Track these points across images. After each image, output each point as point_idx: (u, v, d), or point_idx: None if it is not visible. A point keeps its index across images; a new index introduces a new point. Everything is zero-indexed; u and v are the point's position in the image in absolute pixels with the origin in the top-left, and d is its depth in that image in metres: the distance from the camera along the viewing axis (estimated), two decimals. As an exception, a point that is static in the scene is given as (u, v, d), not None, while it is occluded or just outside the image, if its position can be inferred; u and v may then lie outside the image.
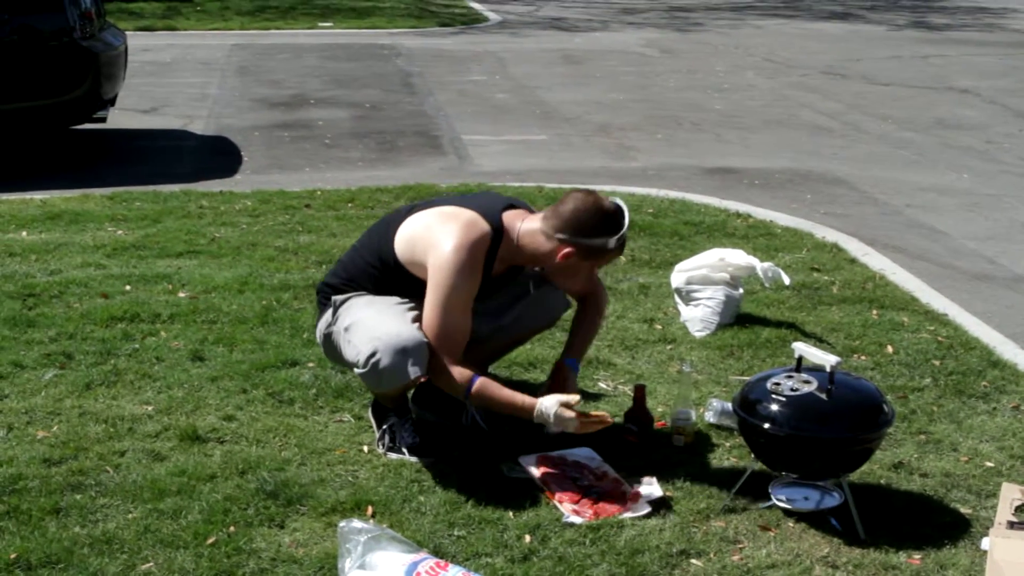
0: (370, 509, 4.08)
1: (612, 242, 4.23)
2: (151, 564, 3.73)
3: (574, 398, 4.25)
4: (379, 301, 4.44)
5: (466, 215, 4.33)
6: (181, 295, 6.22)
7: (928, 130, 11.85)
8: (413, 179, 9.12)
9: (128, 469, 4.34)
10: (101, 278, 6.46)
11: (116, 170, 9.52)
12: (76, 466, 4.34)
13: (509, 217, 4.38)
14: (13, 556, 3.73)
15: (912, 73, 15.44)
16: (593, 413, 4.25)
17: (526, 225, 4.36)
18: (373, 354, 4.23)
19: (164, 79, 14.08)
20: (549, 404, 4.22)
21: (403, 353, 4.22)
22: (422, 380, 4.34)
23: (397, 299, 4.45)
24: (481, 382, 4.30)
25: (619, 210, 4.28)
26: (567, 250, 4.26)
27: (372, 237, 4.65)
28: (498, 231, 4.32)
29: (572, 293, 4.65)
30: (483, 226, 4.30)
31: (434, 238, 4.30)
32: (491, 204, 4.43)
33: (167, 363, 5.35)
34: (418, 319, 4.34)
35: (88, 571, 3.67)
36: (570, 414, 4.19)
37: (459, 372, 4.29)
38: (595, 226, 4.23)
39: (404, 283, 4.44)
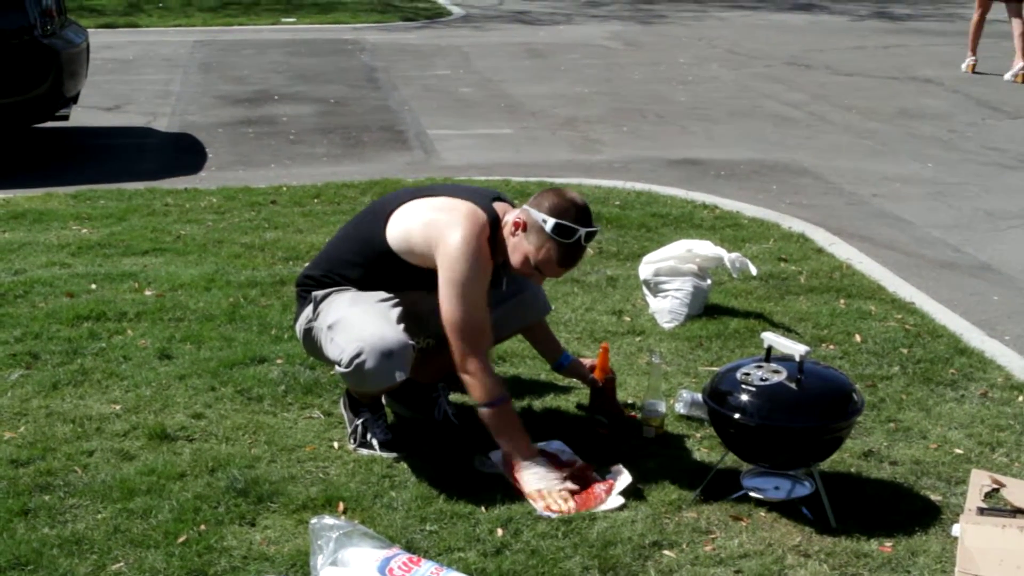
0: (341, 505, 4.07)
1: (551, 223, 4.17)
2: (121, 564, 3.71)
3: (566, 499, 4.16)
4: (362, 299, 4.41)
5: (464, 206, 4.31)
6: (147, 293, 6.19)
7: (892, 120, 11.90)
8: (379, 174, 9.09)
9: (97, 469, 4.31)
10: (66, 277, 6.41)
11: (80, 168, 9.45)
12: (44, 467, 4.31)
13: (500, 207, 4.38)
14: (-19, 558, 3.70)
15: (875, 63, 15.49)
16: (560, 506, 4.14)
17: (511, 211, 4.36)
18: (358, 355, 4.20)
19: (127, 76, 13.98)
20: (539, 482, 4.19)
21: (388, 356, 4.20)
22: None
23: (380, 296, 4.41)
24: (509, 403, 4.34)
25: (579, 205, 4.25)
26: (517, 218, 4.26)
27: (357, 228, 4.61)
28: (495, 221, 4.31)
29: (516, 271, 4.49)
30: (483, 216, 4.29)
31: (439, 231, 4.26)
32: (481, 195, 4.43)
33: (134, 362, 5.32)
34: (402, 319, 4.32)
35: (58, 572, 3.65)
36: (545, 501, 4.14)
37: (494, 382, 4.28)
38: (550, 204, 4.21)
39: (395, 272, 4.41)
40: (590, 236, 4.26)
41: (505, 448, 4.31)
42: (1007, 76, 14.27)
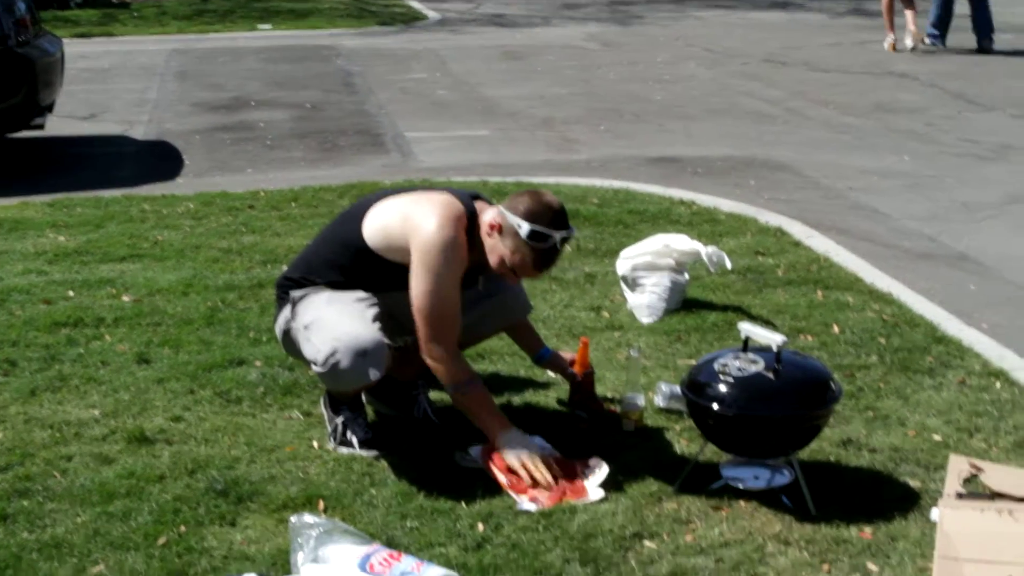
0: (321, 504, 4.06)
1: (525, 228, 4.18)
2: (101, 567, 3.70)
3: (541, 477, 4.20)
4: (339, 299, 4.40)
5: (441, 197, 4.33)
6: (125, 299, 6.17)
7: (868, 114, 11.93)
8: (356, 177, 9.08)
9: (76, 473, 4.30)
10: (43, 284, 6.40)
11: (56, 177, 9.41)
12: (23, 472, 4.30)
13: (479, 205, 4.38)
14: (-40, 564, 3.69)
15: (851, 59, 15.53)
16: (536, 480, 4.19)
17: (488, 210, 4.37)
18: (332, 354, 4.20)
19: (102, 85, 13.95)
20: (526, 451, 4.24)
21: (363, 355, 4.20)
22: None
23: (358, 295, 4.41)
24: (478, 385, 4.37)
25: (555, 209, 4.26)
26: (493, 220, 4.27)
27: (335, 229, 4.62)
28: (472, 215, 4.32)
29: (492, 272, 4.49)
30: (459, 206, 4.30)
31: (414, 220, 4.26)
32: (459, 191, 4.44)
33: (112, 367, 5.30)
34: (378, 318, 4.32)
35: (38, 576, 3.64)
36: (526, 470, 4.19)
37: (460, 366, 4.32)
38: (525, 207, 4.22)
39: (374, 271, 4.41)
40: (565, 240, 4.27)
41: (481, 428, 4.35)
42: (907, 43, 15.65)
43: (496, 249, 4.29)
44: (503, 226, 4.25)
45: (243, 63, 15.71)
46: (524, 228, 4.18)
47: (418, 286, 4.23)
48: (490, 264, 4.33)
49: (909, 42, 15.69)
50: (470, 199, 4.39)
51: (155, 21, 20.16)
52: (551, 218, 4.23)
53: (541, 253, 4.25)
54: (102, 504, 4.06)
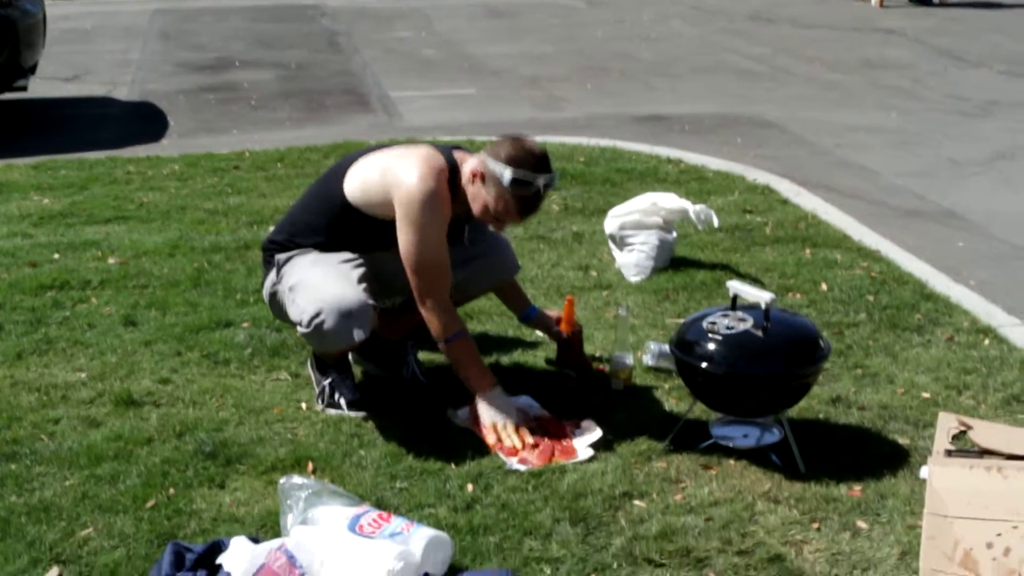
0: (310, 465, 4.05)
1: (508, 175, 4.17)
2: (90, 530, 3.68)
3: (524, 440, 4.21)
4: (324, 260, 4.38)
5: (421, 150, 4.32)
6: (111, 261, 6.14)
7: (855, 71, 11.90)
8: (342, 137, 9.04)
9: (63, 436, 4.28)
10: (28, 247, 6.36)
11: (39, 139, 9.36)
12: (10, 435, 4.28)
13: (459, 155, 4.36)
14: (-52, 528, 3.67)
15: (838, 16, 15.49)
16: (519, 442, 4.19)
17: (469, 159, 4.35)
18: (317, 315, 4.18)
19: (85, 46, 13.85)
20: (501, 412, 4.27)
21: (347, 316, 4.18)
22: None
23: (343, 256, 4.39)
24: (467, 337, 4.36)
25: (537, 154, 4.24)
26: (474, 167, 4.26)
27: (318, 189, 4.60)
28: (453, 167, 4.30)
29: (477, 220, 4.46)
30: (440, 158, 4.28)
31: (395, 174, 4.25)
32: (439, 145, 4.43)
33: (99, 329, 5.28)
34: (364, 279, 4.30)
35: (26, 540, 3.61)
36: (497, 435, 4.22)
37: (452, 317, 4.32)
38: (507, 154, 4.20)
39: (357, 228, 4.39)
40: (548, 185, 4.25)
41: (465, 381, 4.37)
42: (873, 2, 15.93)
43: (479, 197, 4.27)
44: (485, 173, 4.23)
45: (227, 23, 15.62)
46: (507, 175, 4.17)
47: (405, 240, 4.22)
48: (473, 212, 4.32)
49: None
50: (450, 151, 4.37)
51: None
52: (533, 164, 4.21)
53: (524, 199, 4.23)
54: (90, 467, 4.04)
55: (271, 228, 4.83)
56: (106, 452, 4.14)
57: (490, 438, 4.20)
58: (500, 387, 4.35)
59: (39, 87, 10.66)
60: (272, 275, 4.51)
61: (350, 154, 4.60)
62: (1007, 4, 16.06)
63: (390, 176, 4.26)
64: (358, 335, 4.22)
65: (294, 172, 7.94)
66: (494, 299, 5.09)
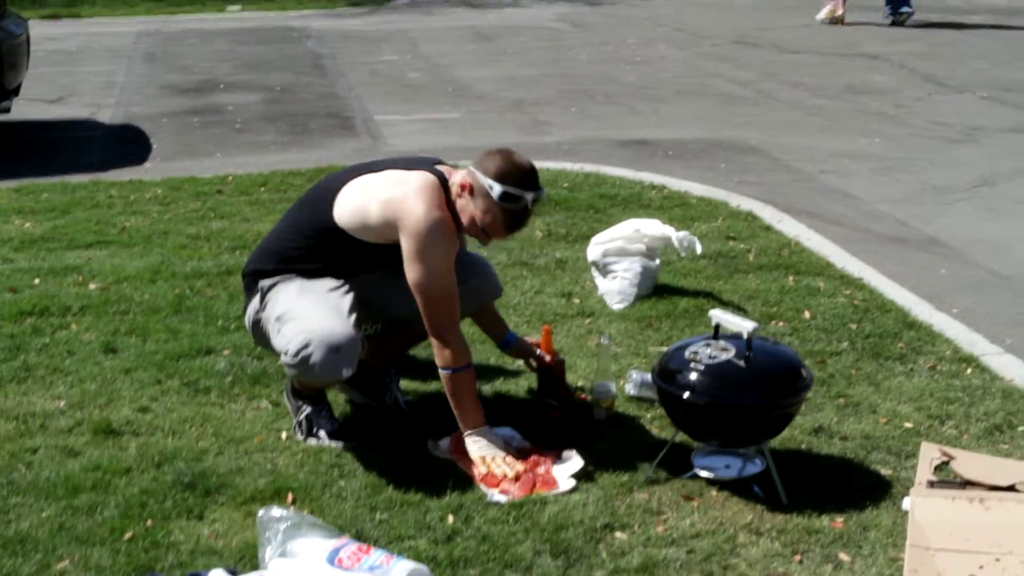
0: (290, 496, 4.03)
1: (497, 188, 4.15)
2: (67, 562, 3.65)
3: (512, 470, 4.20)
4: (310, 288, 4.35)
5: (416, 176, 4.27)
6: (92, 287, 6.11)
7: (839, 96, 11.93)
8: (326, 161, 9.00)
9: (41, 466, 4.24)
10: (9, 272, 6.33)
11: (22, 162, 9.31)
12: (-13, 465, 4.25)
13: (444, 170, 4.35)
14: (-77, 560, 3.64)
15: (822, 40, 15.51)
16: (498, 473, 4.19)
17: (457, 172, 4.35)
18: (304, 347, 4.15)
19: (70, 68, 13.83)
20: (491, 445, 4.25)
21: (336, 351, 4.15)
22: None
23: (330, 284, 4.36)
24: (471, 373, 4.33)
25: (526, 169, 4.23)
26: (464, 180, 4.24)
27: (300, 214, 4.57)
28: (444, 182, 4.29)
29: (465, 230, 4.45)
30: (434, 180, 4.26)
31: (400, 206, 4.21)
32: (423, 162, 4.41)
33: (79, 356, 5.25)
34: (353, 308, 4.27)
35: (1, 572, 3.58)
36: (488, 466, 4.20)
37: (463, 348, 4.30)
38: (497, 167, 4.19)
39: (345, 252, 4.36)
40: (536, 200, 4.24)
41: (458, 413, 4.32)
42: (818, 17, 16.44)
43: (467, 209, 4.26)
44: (474, 186, 4.22)
45: (212, 45, 15.60)
46: (496, 189, 4.16)
47: (417, 273, 4.19)
48: (462, 226, 4.32)
49: (821, 15, 16.55)
50: (434, 166, 4.36)
51: (123, 2, 19.99)
52: (523, 178, 4.20)
53: (512, 214, 4.23)
54: (68, 498, 4.01)
55: (251, 254, 4.79)
56: (84, 482, 4.11)
57: (477, 471, 4.17)
58: (487, 426, 4.33)
59: (23, 109, 10.62)
60: (255, 302, 4.47)
61: (332, 176, 4.58)
62: (973, 24, 16.13)
63: (393, 208, 4.22)
64: (346, 372, 4.20)
65: (277, 197, 7.92)
66: (474, 327, 5.07)
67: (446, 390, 4.36)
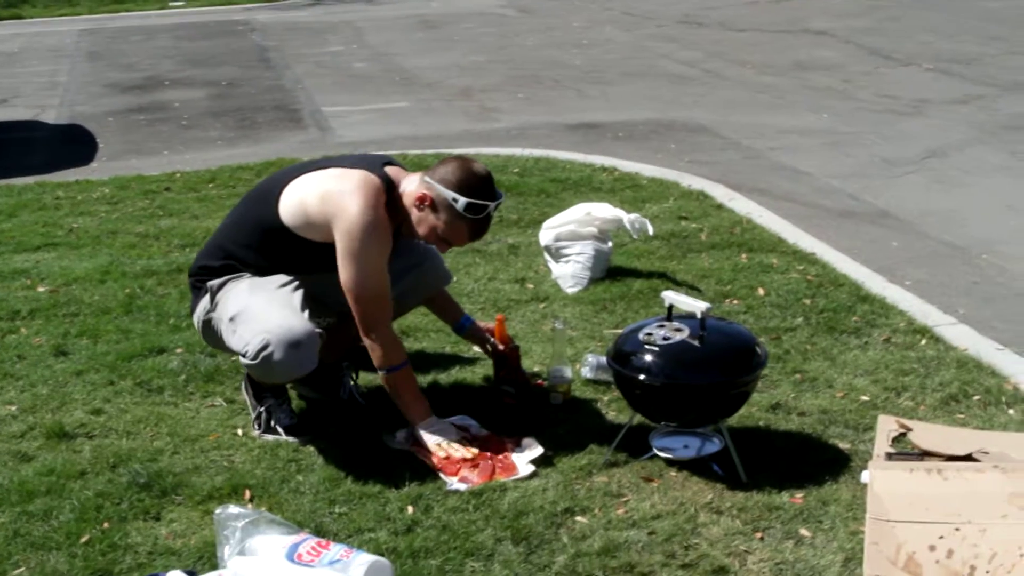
0: (248, 493, 3.99)
1: (462, 201, 4.15)
2: (23, 569, 3.60)
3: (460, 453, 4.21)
4: (261, 286, 4.30)
5: (357, 175, 4.23)
6: (40, 289, 6.04)
7: (787, 73, 11.97)
8: (275, 154, 8.98)
9: (-7, 472, 4.20)
10: (-45, 278, 6.26)
11: (-34, 166, 9.22)
12: (-62, 473, 4.19)
13: (393, 172, 4.31)
14: None
15: (768, 18, 15.58)
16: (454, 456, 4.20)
17: (409, 178, 4.31)
18: (265, 347, 4.08)
19: (11, 69, 13.71)
20: (444, 432, 4.26)
21: (296, 347, 4.09)
22: None
23: (280, 280, 4.31)
24: (408, 369, 4.32)
25: (484, 177, 4.22)
26: (423, 193, 4.21)
27: (246, 211, 4.51)
28: (389, 184, 4.25)
29: (421, 240, 4.43)
30: (377, 182, 4.22)
31: (335, 203, 4.17)
32: (371, 161, 4.36)
33: (29, 360, 5.18)
34: (305, 304, 4.24)
35: (-44, 581, 3.54)
36: (445, 451, 4.20)
37: (394, 347, 4.29)
38: (458, 179, 4.17)
39: (292, 251, 4.32)
40: (497, 206, 4.26)
41: (403, 410, 4.32)
42: None
43: (426, 221, 4.24)
44: (436, 200, 4.19)
45: (156, 41, 15.50)
46: (461, 202, 4.14)
47: (348, 272, 4.16)
48: (420, 235, 4.29)
49: None
50: (382, 167, 4.32)
51: (66, 1, 19.80)
52: (484, 189, 4.20)
53: (477, 223, 4.23)
54: (22, 503, 3.96)
55: (198, 253, 4.74)
56: (38, 487, 4.05)
57: (434, 459, 4.16)
58: (434, 415, 4.32)
59: (-36, 113, 10.53)
60: (205, 302, 4.42)
61: (276, 175, 4.54)
62: None
63: (330, 204, 4.18)
64: (307, 366, 4.16)
65: (226, 192, 7.86)
66: (430, 316, 5.05)
67: (387, 389, 4.36)
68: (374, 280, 4.17)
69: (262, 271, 4.36)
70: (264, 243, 4.36)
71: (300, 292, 4.28)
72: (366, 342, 4.26)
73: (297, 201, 4.28)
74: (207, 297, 4.39)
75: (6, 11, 18.73)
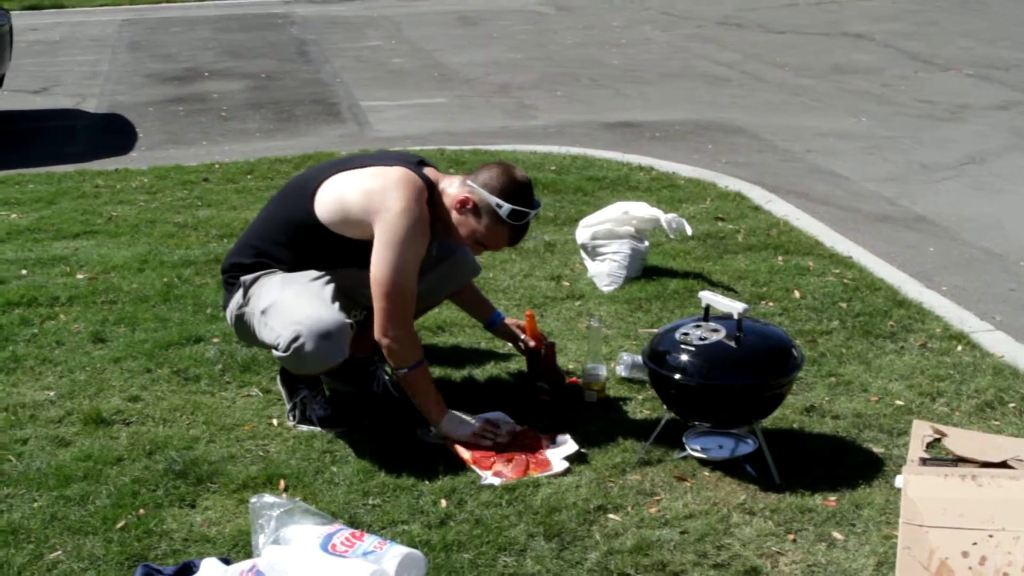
0: (282, 483, 4.02)
1: (507, 208, 4.17)
2: (59, 552, 3.64)
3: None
4: (293, 280, 4.32)
5: (398, 171, 4.25)
6: (79, 277, 6.09)
7: (825, 76, 11.93)
8: (312, 148, 9.00)
9: (32, 457, 4.23)
10: (-4, 263, 6.31)
11: (7, 153, 9.28)
12: (-23, 457, 4.23)
13: (430, 172, 4.34)
14: (-85, 552, 3.62)
15: (807, 20, 15.53)
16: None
17: (449, 179, 4.34)
18: (296, 339, 4.11)
19: (53, 58, 13.79)
20: (470, 423, 4.28)
21: (327, 337, 4.12)
22: None
23: (311, 275, 4.33)
24: (425, 367, 4.32)
25: (525, 184, 4.27)
26: (465, 196, 4.24)
27: (280, 207, 4.53)
28: (430, 185, 4.28)
29: (460, 242, 4.48)
30: (418, 180, 4.24)
31: (378, 197, 4.19)
32: (407, 160, 4.38)
33: (68, 347, 5.23)
34: (336, 296, 4.25)
35: (-6, 563, 3.58)
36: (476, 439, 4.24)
37: (414, 346, 4.29)
38: (502, 185, 4.20)
39: (326, 247, 4.34)
40: (537, 213, 4.31)
41: (421, 408, 4.33)
42: None
43: (467, 224, 4.27)
44: (479, 204, 4.22)
45: (196, 33, 15.56)
46: (505, 208, 4.18)
47: (382, 263, 4.16)
48: (456, 236, 4.32)
49: None
50: (420, 168, 4.34)
51: (105, -9, 19.92)
52: (527, 196, 4.25)
53: (517, 229, 4.28)
54: (59, 488, 3.99)
55: (230, 248, 4.75)
56: (75, 472, 4.09)
57: (466, 453, 4.17)
58: (451, 411, 4.33)
59: (6, 100, 10.61)
60: (238, 297, 4.44)
61: (309, 171, 4.57)
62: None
63: (374, 200, 4.19)
64: (339, 356, 4.17)
65: (264, 184, 7.89)
66: (460, 311, 5.06)
67: (405, 389, 4.37)
68: (405, 274, 4.18)
69: (294, 267, 4.38)
70: (297, 240, 4.38)
71: (331, 286, 4.30)
72: (384, 340, 4.23)
73: (334, 198, 4.29)
74: (240, 292, 4.42)
75: (48, 0, 18.84)
